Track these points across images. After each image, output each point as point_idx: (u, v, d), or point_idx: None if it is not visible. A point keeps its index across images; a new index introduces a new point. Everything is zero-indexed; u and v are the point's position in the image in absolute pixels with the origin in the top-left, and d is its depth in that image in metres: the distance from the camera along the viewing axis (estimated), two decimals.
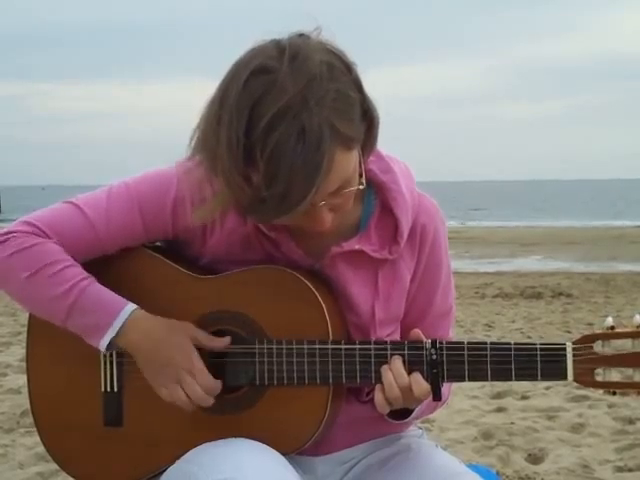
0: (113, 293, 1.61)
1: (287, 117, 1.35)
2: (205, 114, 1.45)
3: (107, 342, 1.58)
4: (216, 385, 1.58)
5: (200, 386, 1.57)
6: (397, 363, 1.54)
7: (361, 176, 1.51)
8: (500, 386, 5.27)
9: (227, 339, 1.59)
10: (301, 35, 1.45)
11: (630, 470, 3.72)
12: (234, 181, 1.40)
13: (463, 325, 7.80)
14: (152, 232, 1.65)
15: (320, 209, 1.47)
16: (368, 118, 1.48)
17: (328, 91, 1.39)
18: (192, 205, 1.61)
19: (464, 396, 5.02)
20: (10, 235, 1.62)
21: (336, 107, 1.39)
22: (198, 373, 1.57)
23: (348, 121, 1.41)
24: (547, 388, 5.24)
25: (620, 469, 3.74)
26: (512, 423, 4.43)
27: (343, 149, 1.41)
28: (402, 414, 1.64)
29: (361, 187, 1.51)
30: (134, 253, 1.67)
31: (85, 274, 1.61)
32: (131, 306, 1.59)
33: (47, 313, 1.63)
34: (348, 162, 1.44)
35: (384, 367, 1.55)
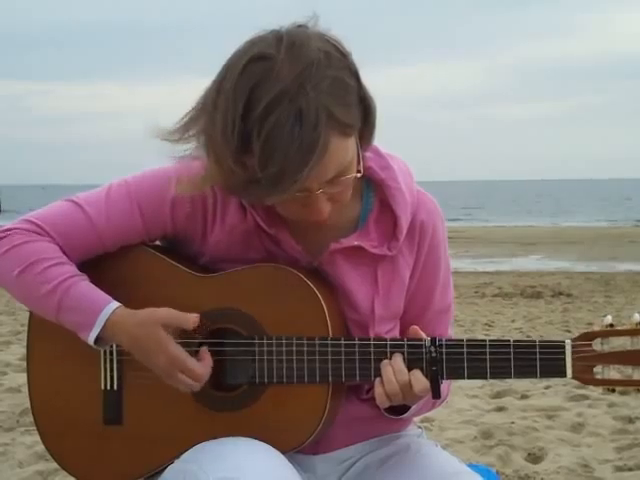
0: (98, 291, 1.60)
1: (284, 101, 1.37)
2: (201, 99, 1.47)
3: (93, 339, 1.58)
4: (205, 370, 1.57)
5: (190, 378, 1.57)
6: (397, 359, 1.54)
7: (359, 164, 1.51)
8: (500, 385, 5.27)
9: (196, 315, 1.57)
10: (299, 26, 1.46)
11: (630, 469, 3.72)
12: (226, 163, 1.41)
13: (463, 324, 7.80)
14: (152, 230, 1.65)
15: (318, 198, 1.48)
16: (365, 106, 1.48)
17: (325, 77, 1.40)
18: (191, 202, 1.62)
19: (464, 395, 5.02)
20: (8, 232, 1.63)
21: (333, 93, 1.40)
22: (185, 368, 1.56)
23: (344, 107, 1.42)
24: (547, 387, 5.24)
25: (620, 468, 3.73)
26: (512, 422, 4.43)
27: (340, 135, 1.42)
28: (400, 410, 1.64)
29: (358, 175, 1.52)
30: (134, 251, 1.67)
31: (72, 272, 1.61)
32: (113, 304, 1.58)
33: (39, 310, 1.64)
34: (345, 149, 1.45)
35: (384, 362, 1.55)
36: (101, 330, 1.57)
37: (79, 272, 1.62)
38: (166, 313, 1.58)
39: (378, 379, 1.55)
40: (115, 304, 1.59)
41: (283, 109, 1.36)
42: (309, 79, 1.38)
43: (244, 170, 1.41)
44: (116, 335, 1.58)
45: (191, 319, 1.57)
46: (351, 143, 1.47)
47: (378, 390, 1.55)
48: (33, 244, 1.61)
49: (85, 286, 1.60)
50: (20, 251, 1.61)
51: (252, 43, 1.44)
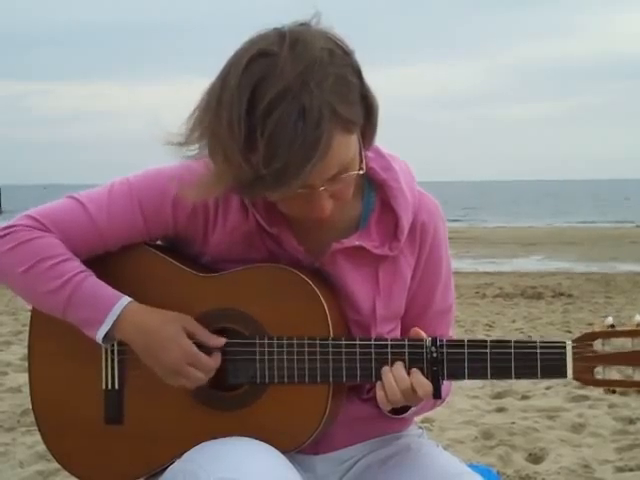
0: (109, 287, 1.61)
1: (287, 98, 1.37)
2: (205, 96, 1.47)
3: (103, 335, 1.59)
4: (215, 362, 1.59)
5: (201, 372, 1.58)
6: (398, 366, 1.54)
7: (361, 162, 1.52)
8: (500, 386, 5.27)
9: (223, 339, 1.60)
10: (302, 24, 1.47)
11: (630, 470, 3.72)
12: (235, 159, 1.42)
13: (463, 325, 7.80)
14: (153, 229, 1.66)
15: (321, 195, 1.48)
16: (367, 104, 1.49)
17: (328, 75, 1.40)
18: (192, 202, 1.62)
19: (464, 396, 5.02)
20: (11, 229, 1.63)
21: (336, 90, 1.41)
22: (196, 361, 1.57)
23: (347, 104, 1.42)
24: (547, 388, 5.24)
25: (620, 469, 3.74)
26: (512, 423, 4.43)
27: (342, 132, 1.43)
28: (401, 410, 1.64)
29: (361, 172, 1.52)
30: (136, 251, 1.67)
31: (81, 268, 1.62)
32: (125, 299, 1.60)
33: (46, 306, 1.64)
34: (347, 146, 1.45)
35: (385, 369, 1.55)
36: (112, 324, 1.57)
37: (86, 268, 1.62)
38: (193, 321, 1.60)
39: (379, 383, 1.55)
40: (128, 299, 1.60)
41: (286, 106, 1.37)
42: (312, 77, 1.38)
43: (250, 166, 1.41)
44: (126, 328, 1.59)
45: (217, 340, 1.59)
46: (353, 140, 1.47)
47: (380, 394, 1.55)
48: (38, 240, 1.61)
49: (95, 282, 1.61)
50: (25, 248, 1.61)
51: (254, 41, 1.45)
